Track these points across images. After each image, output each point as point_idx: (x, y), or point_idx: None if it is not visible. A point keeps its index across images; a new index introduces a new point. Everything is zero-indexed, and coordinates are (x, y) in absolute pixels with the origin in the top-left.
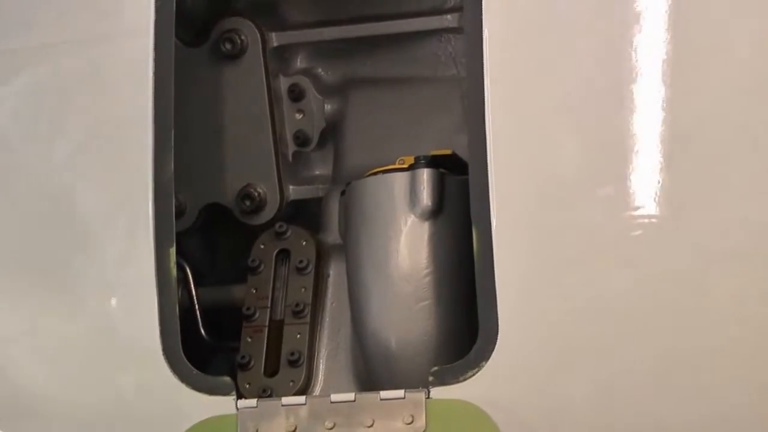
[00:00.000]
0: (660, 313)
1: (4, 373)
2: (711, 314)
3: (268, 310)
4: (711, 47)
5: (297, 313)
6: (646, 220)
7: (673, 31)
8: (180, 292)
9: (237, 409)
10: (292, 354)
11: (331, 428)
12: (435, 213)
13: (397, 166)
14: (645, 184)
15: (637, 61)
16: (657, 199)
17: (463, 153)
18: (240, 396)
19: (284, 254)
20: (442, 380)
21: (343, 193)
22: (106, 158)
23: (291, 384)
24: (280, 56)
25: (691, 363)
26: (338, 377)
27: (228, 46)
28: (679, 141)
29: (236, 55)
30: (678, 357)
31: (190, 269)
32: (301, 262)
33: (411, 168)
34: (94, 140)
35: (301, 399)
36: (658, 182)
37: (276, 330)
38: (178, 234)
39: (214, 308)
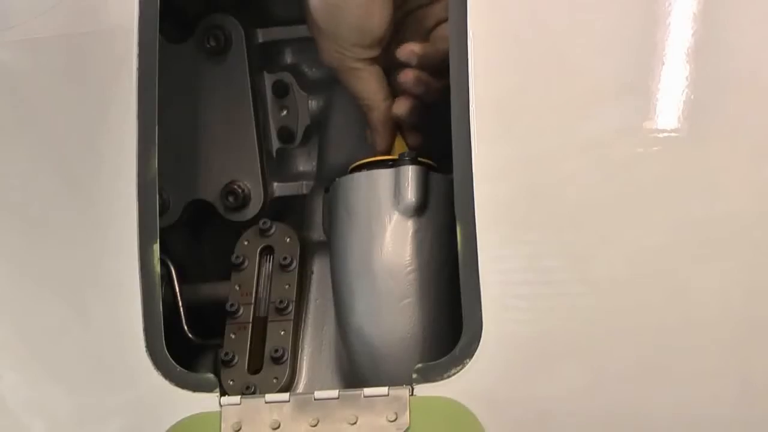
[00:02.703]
0: (654, 300)
1: None
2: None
3: (252, 306)
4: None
5: (281, 310)
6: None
7: (670, 33)
8: (163, 289)
9: (221, 406)
10: (276, 351)
11: (314, 425)
12: (419, 210)
13: (382, 158)
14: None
15: (637, 53)
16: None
17: (448, 149)
18: (223, 393)
19: (268, 251)
20: (426, 377)
21: (327, 190)
22: (89, 154)
23: (275, 381)
24: (265, 52)
25: (681, 357)
26: (322, 374)
27: (212, 42)
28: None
29: (220, 51)
30: (668, 350)
31: (173, 266)
32: (285, 258)
33: (395, 164)
34: (78, 136)
35: (285, 396)
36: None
37: (260, 327)
38: (161, 230)
39: (197, 305)
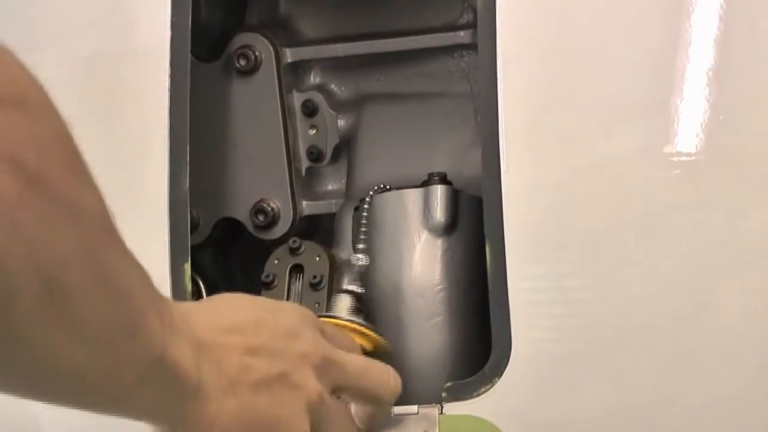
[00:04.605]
0: (680, 320)
1: None
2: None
3: None
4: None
5: None
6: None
7: (694, 55)
8: None
9: None
10: None
11: None
12: (448, 229)
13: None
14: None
15: (661, 76)
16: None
17: (477, 169)
18: None
19: (298, 269)
20: (456, 396)
21: (356, 208)
22: (121, 173)
23: None
24: (294, 72)
25: (707, 377)
26: None
27: (242, 62)
28: None
29: (250, 71)
30: (694, 370)
31: (204, 284)
32: (314, 277)
33: (425, 184)
34: (109, 156)
35: None
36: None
37: None
38: (191, 249)
39: None
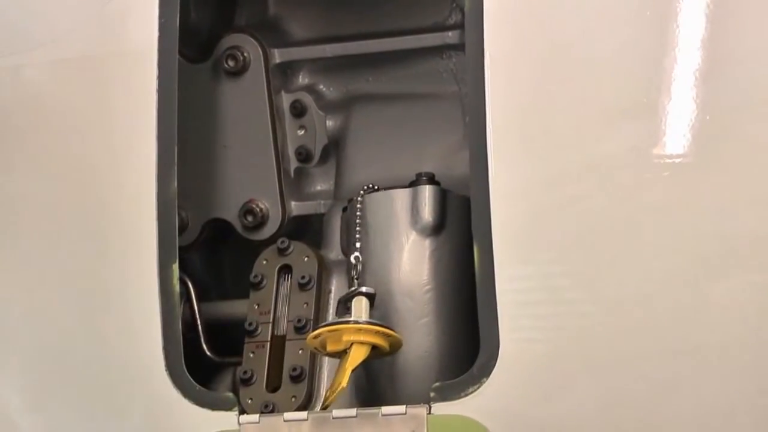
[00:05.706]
0: (665, 318)
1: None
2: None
3: (271, 325)
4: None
5: (299, 329)
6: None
7: (682, 57)
8: (182, 308)
9: (239, 424)
10: (294, 369)
11: None
12: (436, 229)
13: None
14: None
15: (649, 78)
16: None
17: (465, 169)
18: (242, 411)
19: (286, 270)
20: (444, 396)
21: (345, 209)
22: (109, 175)
23: (293, 399)
24: (283, 73)
25: (693, 374)
26: (340, 393)
27: (231, 62)
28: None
29: (239, 71)
30: (680, 368)
31: (192, 284)
32: (303, 277)
33: (413, 185)
34: (98, 157)
35: (303, 414)
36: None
37: (278, 345)
38: (180, 249)
39: (216, 323)
